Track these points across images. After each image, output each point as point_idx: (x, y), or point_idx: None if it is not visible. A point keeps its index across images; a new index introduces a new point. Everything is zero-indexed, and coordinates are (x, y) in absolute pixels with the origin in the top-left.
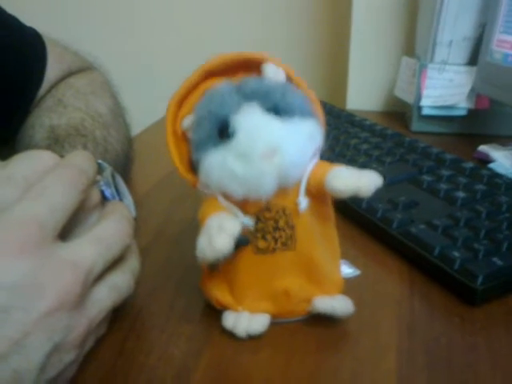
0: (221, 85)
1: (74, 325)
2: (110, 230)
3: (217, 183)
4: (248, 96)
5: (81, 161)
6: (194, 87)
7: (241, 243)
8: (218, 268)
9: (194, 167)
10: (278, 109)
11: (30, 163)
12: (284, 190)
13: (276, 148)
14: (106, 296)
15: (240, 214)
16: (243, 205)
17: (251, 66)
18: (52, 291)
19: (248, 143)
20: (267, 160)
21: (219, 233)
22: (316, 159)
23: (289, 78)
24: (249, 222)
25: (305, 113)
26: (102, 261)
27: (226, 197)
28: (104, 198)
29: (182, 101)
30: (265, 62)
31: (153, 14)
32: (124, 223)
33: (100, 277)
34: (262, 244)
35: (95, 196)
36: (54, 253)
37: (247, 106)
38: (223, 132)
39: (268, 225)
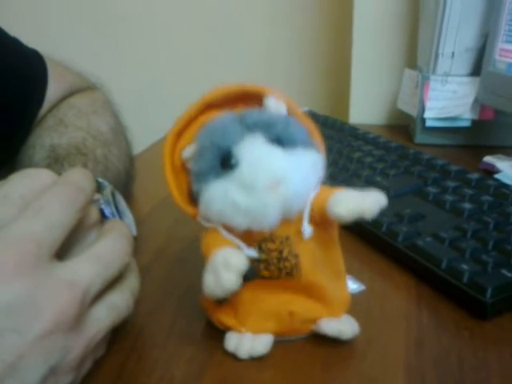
0: (223, 115)
1: (71, 346)
2: (108, 249)
3: (218, 215)
4: (251, 127)
5: (79, 178)
6: (192, 119)
7: (248, 276)
8: (226, 301)
9: (193, 199)
10: (280, 140)
11: (27, 181)
12: (287, 219)
13: (280, 179)
14: (104, 316)
15: (243, 245)
16: (245, 235)
17: (251, 98)
18: (48, 312)
19: (252, 174)
20: (271, 191)
21: (226, 270)
22: (318, 188)
23: (288, 108)
24: (253, 253)
25: (307, 144)
26: (100, 280)
27: (228, 228)
28: (104, 217)
29: (180, 133)
30: (265, 94)
31: (156, 32)
32: (123, 241)
33: (98, 296)
34: (265, 274)
35: (94, 214)
36: (50, 272)
37: (250, 137)
38: (226, 163)
39: (272, 256)
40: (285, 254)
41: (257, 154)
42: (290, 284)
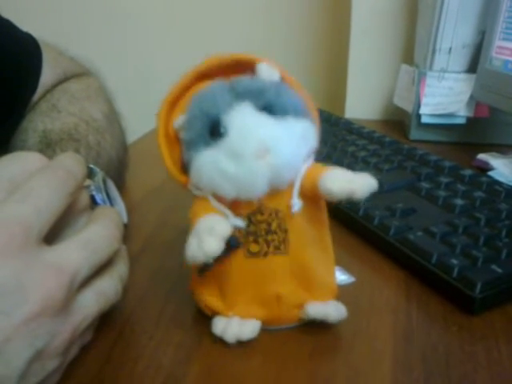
0: (213, 84)
1: (58, 331)
2: (97, 234)
3: (208, 183)
4: (240, 95)
5: (69, 163)
6: (186, 89)
7: (232, 246)
8: (208, 272)
9: (185, 169)
10: (271, 108)
11: (16, 164)
12: (277, 192)
13: (268, 147)
14: (92, 302)
15: (231, 215)
16: (235, 206)
17: (245, 68)
18: (35, 295)
19: (240, 142)
20: (259, 159)
21: (209, 235)
22: (310, 161)
23: (283, 79)
24: (240, 223)
25: (299, 113)
26: (88, 265)
27: (217, 197)
28: (94, 203)
29: (174, 102)
30: (257, 62)
31: (151, 20)
32: (112, 227)
33: (86, 282)
34: (253, 248)
35: (84, 199)
36: (38, 256)
37: (239, 105)
38: (215, 131)
39: (260, 228)
40: (273, 226)
41: (245, 122)
42: (278, 267)
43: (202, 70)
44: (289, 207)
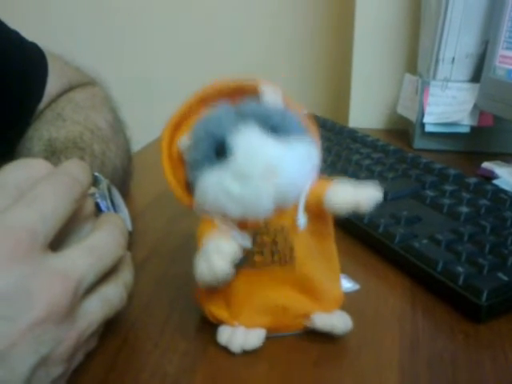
0: (218, 107)
1: (63, 337)
2: (102, 241)
3: (213, 203)
4: (246, 117)
5: (75, 170)
6: (189, 113)
7: (240, 264)
8: (217, 289)
9: (190, 189)
10: (276, 130)
11: (22, 171)
12: (282, 209)
13: (274, 168)
14: (96, 308)
15: (237, 234)
16: (240, 225)
17: (247, 93)
18: (40, 302)
19: (246, 163)
20: (265, 180)
21: (218, 257)
22: (314, 178)
23: (285, 104)
24: (247, 243)
25: (302, 134)
26: (94, 272)
27: (223, 217)
28: (99, 211)
29: (177, 126)
30: (260, 88)
31: (155, 30)
32: (117, 234)
33: (91, 289)
34: (258, 259)
35: (89, 206)
36: (43, 262)
37: (245, 127)
38: (220, 152)
39: (266, 248)
40: (279, 246)
41: (251, 144)
42: (283, 276)
43: (205, 95)
44: (294, 223)
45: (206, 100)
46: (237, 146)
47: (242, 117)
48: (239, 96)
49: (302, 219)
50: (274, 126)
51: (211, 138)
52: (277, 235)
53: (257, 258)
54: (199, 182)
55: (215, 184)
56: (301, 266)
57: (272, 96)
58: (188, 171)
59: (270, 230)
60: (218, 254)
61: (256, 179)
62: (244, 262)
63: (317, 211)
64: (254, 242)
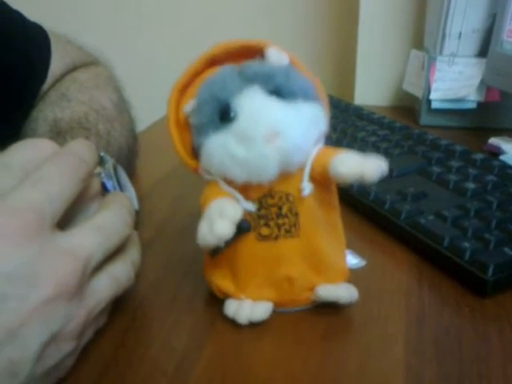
0: (222, 68)
1: (72, 315)
2: (109, 220)
3: (218, 167)
4: (250, 79)
5: (81, 149)
6: (196, 75)
7: (243, 229)
8: (220, 254)
9: (196, 154)
10: (280, 92)
11: (28, 151)
12: (287, 175)
13: (278, 131)
14: (105, 286)
15: (242, 199)
16: (245, 190)
17: (254, 54)
18: (49, 280)
19: (249, 126)
20: (269, 143)
21: (220, 218)
22: (320, 144)
23: (292, 64)
24: (251, 207)
25: (308, 96)
26: (102, 250)
27: (228, 182)
28: (105, 190)
29: (184, 89)
30: (266, 48)
31: (158, 9)
32: (124, 213)
33: (100, 267)
34: (264, 231)
35: (95, 186)
36: (52, 241)
37: (249, 89)
38: (225, 115)
39: (271, 211)
40: (284, 210)
41: (254, 106)
42: (289, 249)
43: (211, 56)
44: (299, 191)
45: (212, 61)
46: (240, 109)
47: (246, 78)
48: (246, 57)
49: (307, 186)
50: (278, 87)
51: (215, 101)
52: (282, 201)
53: (263, 230)
54: (204, 145)
55: (220, 147)
56: (306, 234)
57: (277, 56)
58: (193, 135)
59: (276, 196)
60: (221, 214)
61: (259, 142)
62: (248, 229)
63: (322, 180)
64: (259, 210)
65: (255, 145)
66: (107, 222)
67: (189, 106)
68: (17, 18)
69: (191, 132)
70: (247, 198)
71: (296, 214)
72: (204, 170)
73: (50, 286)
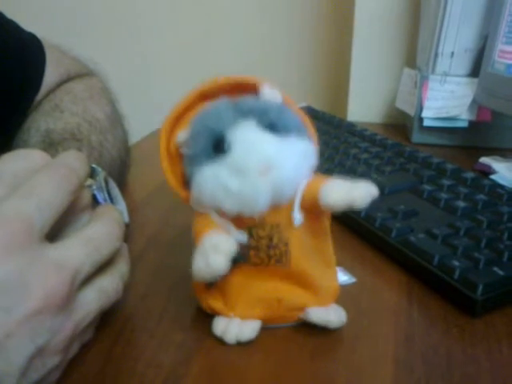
0: (217, 101)
1: (59, 328)
2: (99, 232)
3: (210, 198)
4: (245, 113)
5: (72, 160)
6: (188, 108)
7: (237, 260)
8: (215, 284)
9: (186, 184)
10: (274, 127)
11: (19, 162)
12: (278, 206)
13: (272, 164)
14: (93, 299)
15: (233, 230)
16: (236, 220)
17: (246, 89)
18: (37, 292)
19: (243, 158)
20: (262, 176)
21: (215, 253)
22: (309, 176)
23: (284, 100)
24: (243, 238)
25: (300, 132)
26: (90, 263)
27: (219, 213)
28: (96, 203)
29: (176, 121)
30: (260, 85)
31: (154, 22)
32: (114, 226)
33: (88, 280)
34: (255, 261)
35: (86, 197)
36: (40, 253)
37: (243, 122)
38: (218, 147)
39: (262, 243)
40: (274, 241)
41: (249, 139)
42: (279, 271)
43: (205, 91)
44: (290, 220)
45: (205, 95)
46: (234, 141)
47: (241, 112)
48: (239, 92)
49: (297, 216)
50: (272, 123)
51: (209, 132)
52: (272, 232)
53: (254, 259)
54: (196, 176)
55: (212, 178)
56: (296, 263)
57: (271, 94)
58: (185, 165)
59: (266, 226)
60: (215, 249)
61: (252, 174)
62: (241, 260)
63: (312, 208)
64: (250, 238)
65: (248, 177)
66: (97, 234)
67: (181, 136)
68: (12, 27)
69: (182, 162)
70: (237, 227)
71: (286, 244)
72: (195, 200)
73: (37, 298)
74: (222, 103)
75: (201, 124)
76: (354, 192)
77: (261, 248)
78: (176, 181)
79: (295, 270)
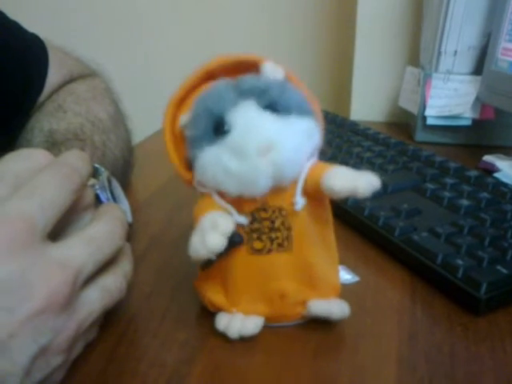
0: (218, 82)
1: (62, 327)
2: (101, 231)
3: (211, 180)
4: (245, 93)
5: (74, 160)
6: (192, 89)
7: (235, 242)
8: (212, 267)
9: (190, 167)
10: (274, 106)
11: (22, 161)
12: (280, 189)
13: (271, 144)
14: (96, 298)
15: (235, 212)
16: (238, 203)
17: (250, 68)
18: (39, 292)
19: (243, 139)
20: (262, 156)
21: (212, 231)
22: (314, 159)
23: (288, 78)
24: (244, 220)
25: (302, 111)
26: (93, 262)
27: (221, 195)
28: (99, 202)
29: (180, 102)
30: (262, 63)
31: (156, 21)
32: (117, 225)
33: (91, 279)
34: (257, 245)
35: (88, 197)
36: (43, 252)
37: (243, 103)
38: (219, 129)
39: (264, 225)
40: (277, 224)
41: (248, 120)
42: (282, 264)
43: (208, 71)
44: (292, 205)
45: (208, 75)
46: (234, 123)
47: (241, 92)
48: (242, 72)
49: (299, 200)
50: (273, 102)
51: (210, 114)
52: (275, 214)
53: (256, 244)
54: (198, 158)
55: (213, 160)
56: (299, 248)
57: (273, 71)
58: (188, 148)
59: (269, 210)
60: (213, 228)
61: (252, 155)
62: (241, 242)
63: (315, 194)
64: (252, 223)
65: (248, 158)
66: (99, 233)
67: (184, 118)
68: (15, 28)
69: (186, 144)
70: (240, 211)
71: (289, 228)
72: (198, 182)
73: (39, 297)
74: (222, 84)
75: (201, 106)
76: (357, 180)
77: (263, 230)
78: (180, 164)
79: (298, 259)
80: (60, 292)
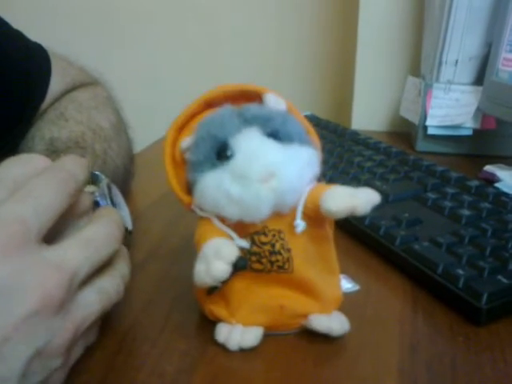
0: (221, 109)
1: (58, 329)
2: (97, 233)
3: (212, 204)
4: (248, 120)
5: (71, 164)
6: (193, 116)
7: (239, 267)
8: (217, 291)
9: (189, 190)
10: (277, 134)
11: (21, 166)
12: (280, 213)
13: (274, 172)
14: (94, 300)
15: (235, 236)
16: (238, 227)
17: (251, 98)
18: (33, 294)
19: (246, 165)
20: (264, 183)
21: (216, 259)
22: (313, 184)
23: (288, 109)
24: (245, 244)
25: (303, 141)
26: (89, 264)
27: (221, 219)
28: None
29: (181, 128)
30: (264, 93)
31: (160, 31)
32: (113, 227)
33: (88, 281)
34: (257, 266)
35: (86, 202)
36: (37, 255)
37: (247, 130)
38: (221, 154)
39: (264, 249)
40: (277, 247)
41: (252, 146)
42: (281, 278)
43: (209, 99)
44: (292, 227)
45: (210, 103)
46: (237, 148)
47: (244, 119)
48: (243, 101)
49: (300, 223)
50: (275, 130)
51: (213, 139)
52: (275, 238)
53: (255, 266)
54: (199, 182)
55: (215, 185)
56: (299, 270)
57: (275, 102)
58: (189, 171)
59: (268, 233)
60: (217, 255)
61: (255, 181)
62: (244, 266)
63: (315, 215)
64: (252, 244)
65: (251, 184)
66: (95, 235)
67: (186, 142)
68: (18, 37)
69: (186, 169)
70: (240, 234)
71: (289, 250)
72: (197, 206)
73: (34, 300)
74: (226, 110)
75: (205, 131)
76: (355, 199)
77: (263, 254)
78: (179, 187)
79: (298, 277)
80: (55, 294)
